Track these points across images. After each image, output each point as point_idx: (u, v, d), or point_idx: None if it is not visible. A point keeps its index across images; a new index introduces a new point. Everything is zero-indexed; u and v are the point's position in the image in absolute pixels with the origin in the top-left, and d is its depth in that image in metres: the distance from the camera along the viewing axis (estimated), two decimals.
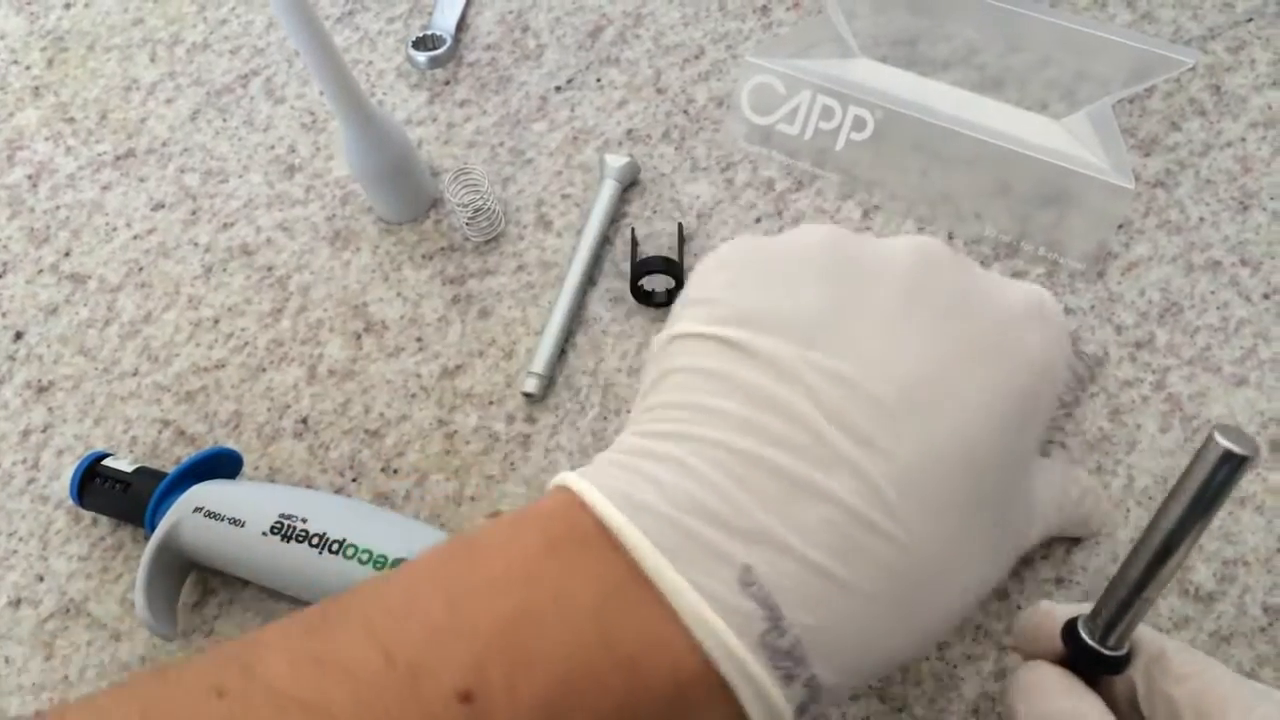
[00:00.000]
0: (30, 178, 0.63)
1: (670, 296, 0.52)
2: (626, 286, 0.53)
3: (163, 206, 0.61)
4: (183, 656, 0.28)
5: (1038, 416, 0.31)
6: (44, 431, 0.54)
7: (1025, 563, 0.44)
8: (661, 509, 0.27)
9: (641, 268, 0.51)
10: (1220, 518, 0.44)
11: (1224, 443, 0.26)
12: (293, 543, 0.44)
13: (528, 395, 0.51)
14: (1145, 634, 0.29)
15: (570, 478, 0.29)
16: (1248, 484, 0.45)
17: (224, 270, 0.58)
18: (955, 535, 0.28)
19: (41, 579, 0.50)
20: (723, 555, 0.27)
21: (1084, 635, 0.28)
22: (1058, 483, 0.40)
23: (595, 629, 0.26)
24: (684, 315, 0.33)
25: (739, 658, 0.26)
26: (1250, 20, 0.57)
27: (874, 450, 0.27)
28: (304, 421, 0.52)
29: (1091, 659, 0.28)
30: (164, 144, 0.63)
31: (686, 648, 0.26)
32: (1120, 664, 0.28)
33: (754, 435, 0.28)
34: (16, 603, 0.50)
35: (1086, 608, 0.31)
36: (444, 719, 0.25)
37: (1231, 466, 0.26)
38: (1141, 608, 0.28)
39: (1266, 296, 0.49)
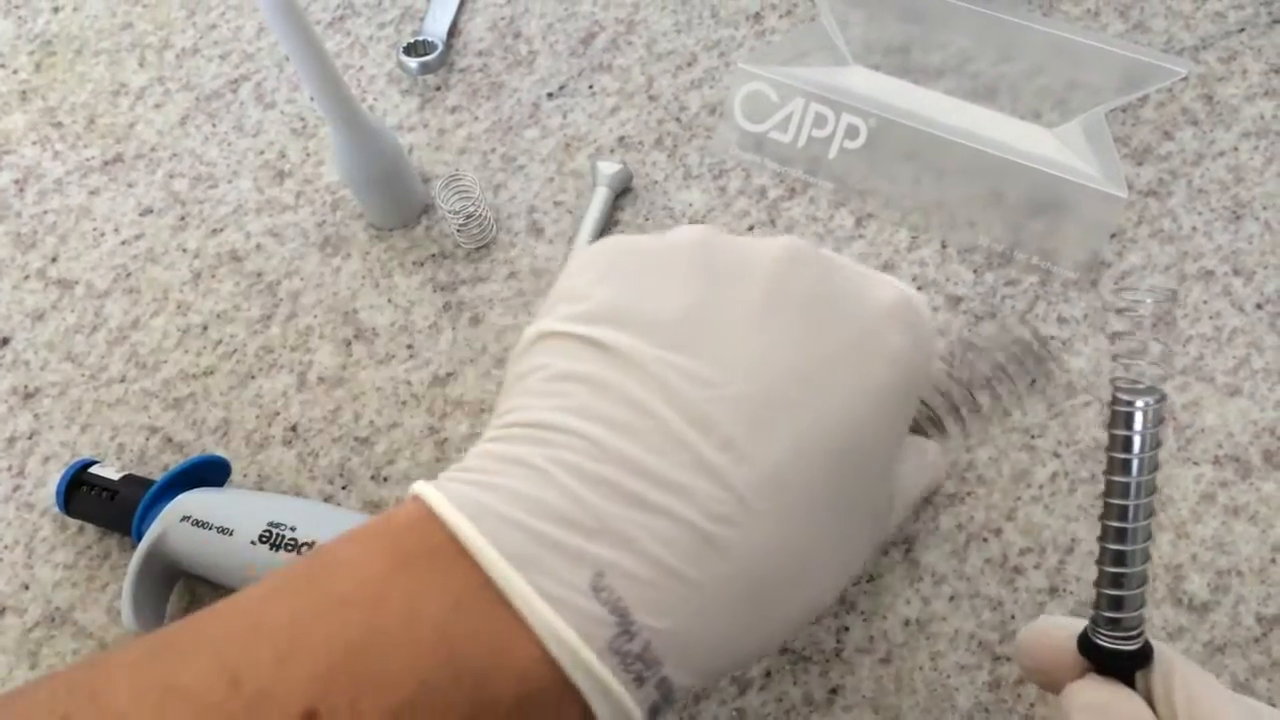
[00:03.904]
0: (17, 182, 0.63)
1: None
2: None
3: (151, 212, 0.60)
4: (32, 681, 0.28)
5: (901, 414, 0.31)
6: (30, 438, 0.54)
7: (1018, 572, 0.44)
8: (513, 516, 0.27)
9: None
10: (1214, 527, 0.44)
11: (1127, 399, 0.27)
12: (281, 551, 0.43)
13: None
14: (1160, 647, 0.29)
15: (422, 487, 0.29)
16: (1241, 494, 0.45)
17: (213, 276, 0.57)
18: (813, 535, 0.28)
19: (27, 587, 0.50)
20: (572, 560, 0.26)
21: (1102, 641, 0.28)
22: (925, 464, 0.41)
23: (443, 644, 0.26)
24: (549, 311, 0.32)
25: (586, 662, 0.26)
26: (1242, 30, 0.57)
27: (732, 452, 0.27)
28: (293, 429, 0.52)
29: (1118, 660, 0.28)
30: (153, 149, 0.63)
31: (534, 655, 0.26)
32: (1143, 657, 0.28)
33: (611, 439, 0.27)
34: (1, 611, 0.49)
35: (1076, 622, 0.30)
36: None
37: (1145, 418, 0.27)
38: (1129, 583, 0.27)
39: (1259, 306, 0.49)
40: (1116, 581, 0.28)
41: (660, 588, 0.26)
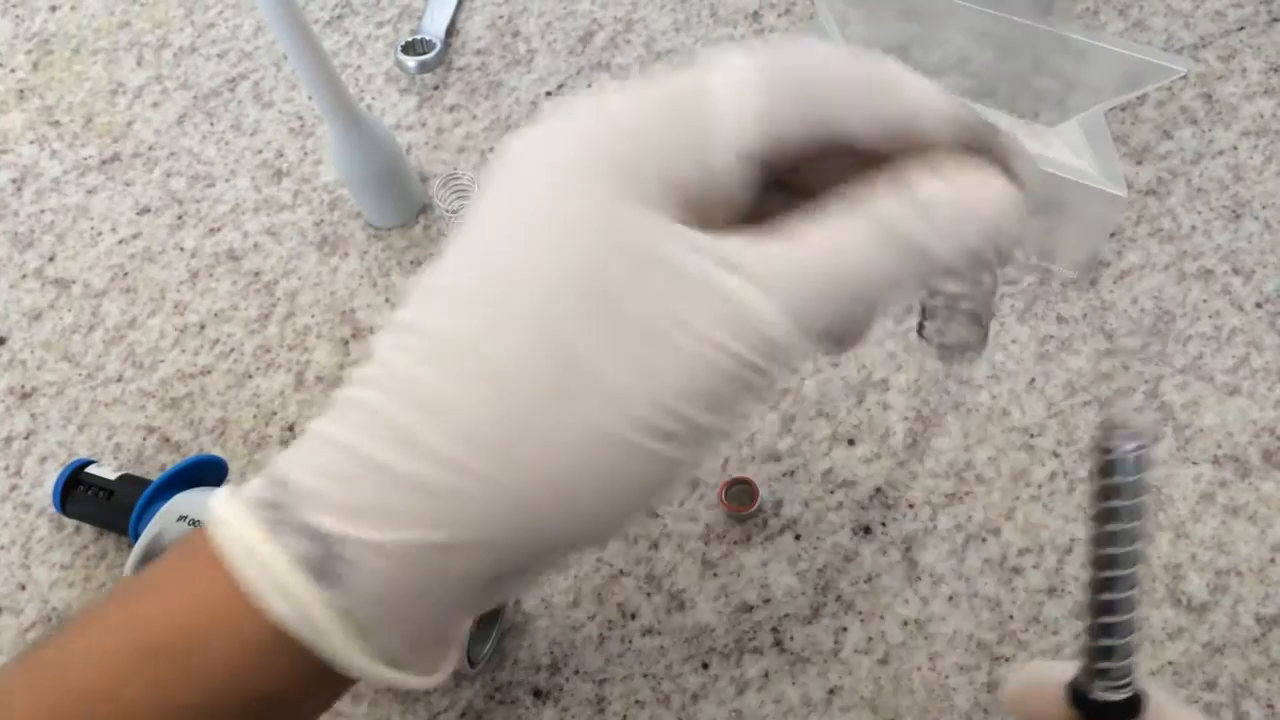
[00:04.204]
0: (15, 181, 0.63)
1: None
2: None
3: (149, 211, 0.60)
4: None
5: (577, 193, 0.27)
6: (27, 438, 0.53)
7: (1017, 572, 0.44)
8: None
9: None
10: (1213, 527, 0.44)
11: (1116, 445, 0.26)
12: None
13: None
14: (1153, 691, 0.29)
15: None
16: (1240, 494, 0.45)
17: (210, 275, 0.57)
18: (497, 390, 0.26)
19: (23, 587, 0.49)
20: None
21: (1093, 693, 0.27)
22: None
23: (174, 579, 0.28)
24: None
25: (220, 512, 0.27)
26: (1241, 29, 0.57)
27: (406, 333, 0.28)
28: (290, 429, 0.52)
29: (1109, 711, 0.27)
30: (150, 148, 0.63)
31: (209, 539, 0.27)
32: (1133, 706, 0.27)
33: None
34: None
35: (1066, 668, 0.30)
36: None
37: (1129, 465, 0.26)
38: (1118, 632, 0.27)
39: (1259, 305, 0.49)
40: (1105, 631, 0.27)
41: (319, 453, 0.27)
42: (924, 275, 0.26)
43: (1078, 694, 0.28)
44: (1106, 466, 0.26)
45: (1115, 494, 0.26)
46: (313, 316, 0.55)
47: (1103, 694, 0.27)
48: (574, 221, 0.27)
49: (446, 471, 0.26)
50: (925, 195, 0.26)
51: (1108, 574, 0.27)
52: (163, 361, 0.55)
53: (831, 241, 0.26)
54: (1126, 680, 0.27)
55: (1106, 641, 0.27)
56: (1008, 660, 0.43)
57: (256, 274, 0.57)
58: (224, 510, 0.27)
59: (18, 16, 0.70)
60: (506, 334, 0.26)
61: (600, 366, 0.26)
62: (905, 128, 0.28)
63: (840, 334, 0.31)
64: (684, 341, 0.25)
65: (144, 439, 0.53)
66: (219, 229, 0.59)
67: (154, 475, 0.48)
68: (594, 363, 0.26)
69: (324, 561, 0.26)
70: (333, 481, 0.26)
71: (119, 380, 0.55)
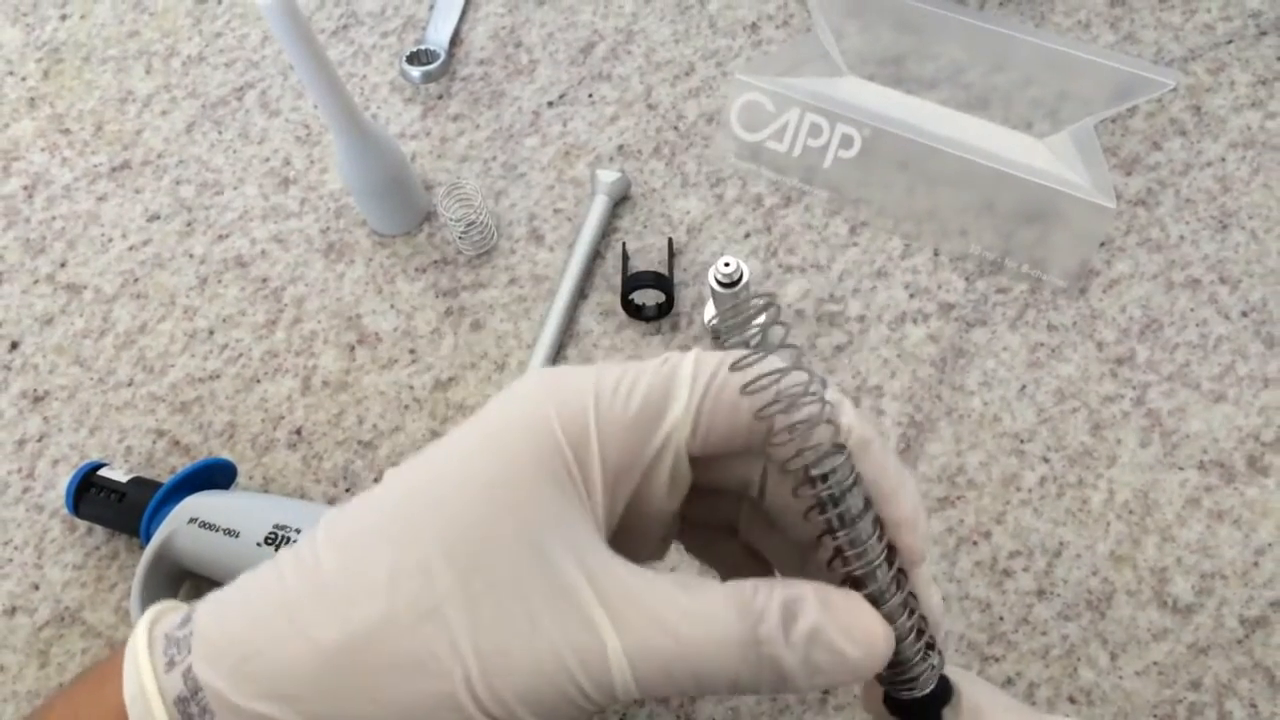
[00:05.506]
0: (26, 189, 0.64)
1: (660, 310, 0.53)
2: (617, 300, 0.54)
3: (158, 218, 0.61)
4: None
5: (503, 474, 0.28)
6: (39, 441, 0.55)
7: (1007, 575, 0.45)
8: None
9: (632, 282, 0.52)
10: (1198, 531, 0.45)
11: (827, 467, 0.27)
12: None
13: None
14: (960, 677, 0.30)
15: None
16: (1225, 499, 0.46)
17: (219, 281, 0.58)
18: (361, 569, 0.28)
19: (37, 587, 0.51)
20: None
21: (899, 694, 0.29)
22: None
23: (94, 693, 0.30)
24: None
25: (135, 637, 0.29)
26: (1230, 42, 0.58)
27: (347, 507, 0.31)
28: (298, 432, 0.53)
29: (916, 709, 0.29)
30: (159, 156, 0.64)
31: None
32: (937, 698, 0.29)
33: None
34: (11, 611, 0.50)
35: None
36: None
37: (844, 478, 0.27)
38: (897, 635, 0.28)
39: (1245, 314, 0.50)
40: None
41: (222, 600, 0.29)
42: (775, 686, 0.27)
43: (889, 700, 0.30)
44: (829, 499, 0.27)
45: (845, 520, 0.27)
46: (319, 322, 0.56)
47: (908, 694, 0.29)
48: (486, 484, 0.28)
49: (295, 664, 0.27)
50: (802, 624, 0.27)
51: (871, 592, 0.28)
52: (173, 366, 0.56)
53: (703, 635, 0.27)
54: (924, 678, 0.29)
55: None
56: (998, 660, 0.44)
57: (264, 280, 0.58)
58: (141, 638, 0.29)
59: (28, 25, 0.71)
60: (384, 560, 0.28)
61: (458, 628, 0.27)
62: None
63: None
64: (538, 649, 0.26)
65: (154, 442, 0.54)
66: (227, 236, 0.60)
67: (165, 478, 0.50)
68: (454, 623, 0.27)
69: (190, 705, 0.28)
70: (219, 631, 0.28)
71: (130, 384, 0.56)
